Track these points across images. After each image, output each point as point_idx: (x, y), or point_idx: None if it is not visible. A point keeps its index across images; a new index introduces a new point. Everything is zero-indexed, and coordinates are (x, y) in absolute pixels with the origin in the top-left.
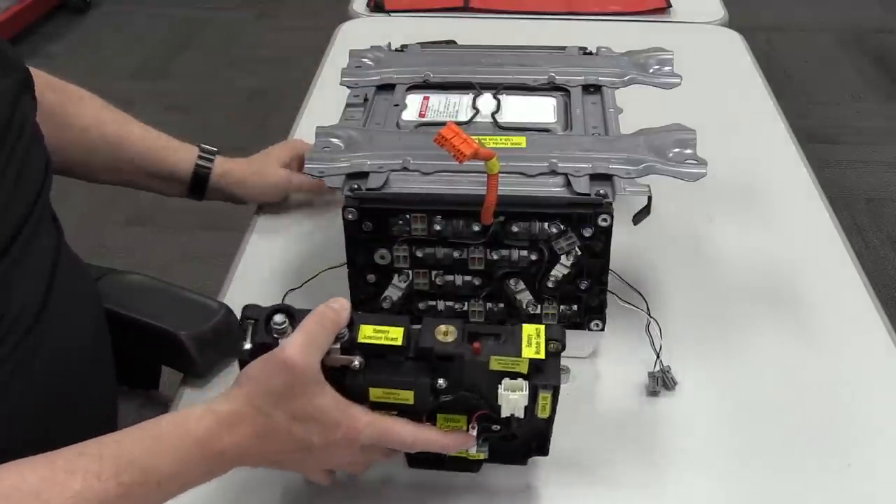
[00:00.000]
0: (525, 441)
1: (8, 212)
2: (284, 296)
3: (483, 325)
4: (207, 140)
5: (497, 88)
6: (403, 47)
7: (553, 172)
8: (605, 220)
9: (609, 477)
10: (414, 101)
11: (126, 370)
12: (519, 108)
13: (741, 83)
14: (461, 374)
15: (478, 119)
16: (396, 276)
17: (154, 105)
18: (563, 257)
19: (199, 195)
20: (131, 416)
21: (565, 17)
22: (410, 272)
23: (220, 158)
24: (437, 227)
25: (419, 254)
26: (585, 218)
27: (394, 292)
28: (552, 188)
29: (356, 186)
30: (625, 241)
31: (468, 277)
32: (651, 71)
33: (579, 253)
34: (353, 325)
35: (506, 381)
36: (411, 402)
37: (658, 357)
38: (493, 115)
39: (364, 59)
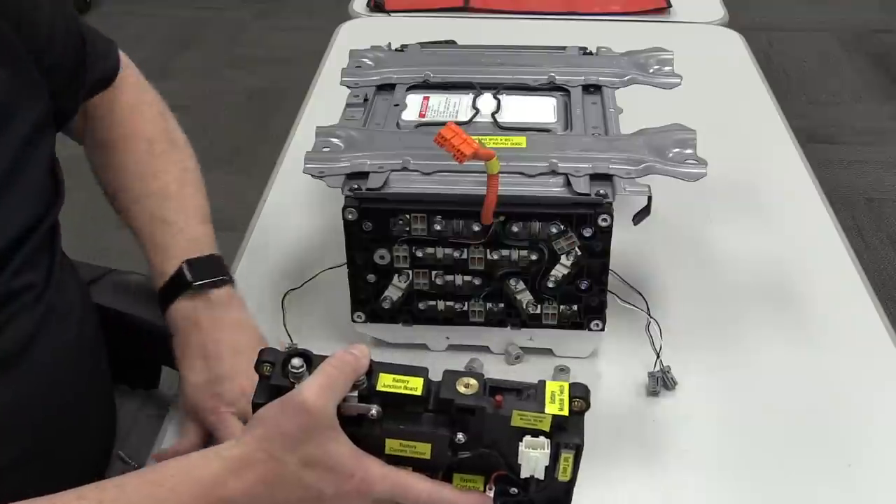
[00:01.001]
0: None
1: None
2: (284, 296)
3: (505, 380)
4: (208, 140)
5: (497, 88)
6: (403, 47)
7: (553, 172)
8: (605, 220)
9: (609, 477)
10: (414, 101)
11: (126, 370)
12: (519, 108)
13: (741, 83)
14: (481, 429)
15: (478, 119)
16: (396, 276)
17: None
18: (563, 257)
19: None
20: (131, 415)
21: (565, 17)
22: (410, 272)
23: (200, 303)
24: (437, 227)
25: (419, 254)
26: (585, 218)
27: (394, 292)
28: (552, 188)
29: (356, 186)
30: (625, 241)
31: (468, 277)
32: (651, 71)
33: (579, 253)
34: (371, 373)
35: (527, 438)
36: (428, 456)
37: (658, 357)
38: (493, 115)
39: (364, 59)
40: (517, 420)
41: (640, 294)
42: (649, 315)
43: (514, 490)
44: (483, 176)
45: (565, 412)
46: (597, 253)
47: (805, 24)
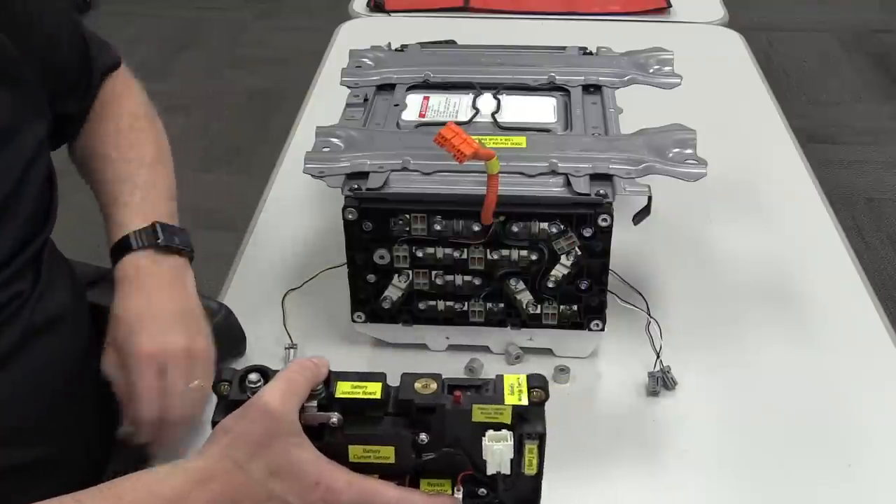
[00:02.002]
0: None
1: None
2: (284, 296)
3: (462, 378)
4: (208, 140)
5: (497, 88)
6: (403, 47)
7: (553, 172)
8: (605, 220)
9: (609, 477)
10: (414, 101)
11: None
12: (519, 108)
13: (741, 83)
14: (443, 427)
15: (478, 119)
16: (396, 276)
17: (154, 105)
18: (563, 257)
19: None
20: None
21: (565, 17)
22: (410, 272)
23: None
24: (437, 227)
25: (419, 254)
26: (585, 218)
27: (394, 292)
28: (552, 188)
29: (356, 186)
30: (625, 241)
31: (468, 277)
32: (651, 71)
33: (579, 253)
34: (329, 383)
35: (490, 432)
36: (392, 460)
37: (658, 357)
38: (493, 115)
39: (364, 59)
40: (478, 415)
41: (640, 294)
42: (649, 315)
43: (482, 491)
44: (483, 176)
45: (525, 402)
46: (597, 253)
47: (805, 24)
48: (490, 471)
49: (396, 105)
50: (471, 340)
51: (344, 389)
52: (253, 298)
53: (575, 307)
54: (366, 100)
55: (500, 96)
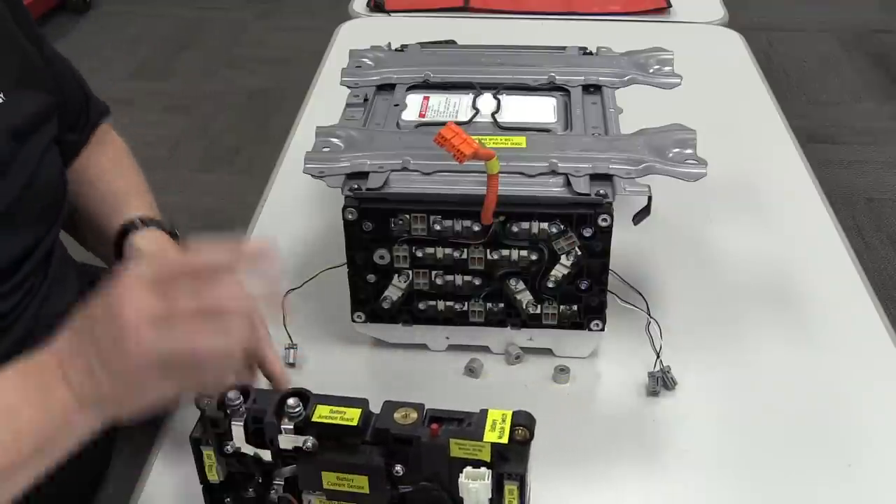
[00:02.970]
0: None
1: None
2: (284, 296)
3: (447, 410)
4: (208, 140)
5: (497, 88)
6: (403, 47)
7: (553, 172)
8: (605, 220)
9: (609, 477)
10: (414, 101)
11: None
12: (519, 108)
13: (741, 83)
14: (419, 460)
15: (478, 119)
16: (396, 276)
17: (154, 105)
18: (563, 257)
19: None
20: None
21: (565, 17)
22: (410, 272)
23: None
24: (437, 227)
25: (419, 254)
26: (585, 218)
27: (394, 292)
28: (552, 188)
29: (356, 186)
30: (625, 241)
31: (468, 277)
32: (651, 71)
33: (579, 253)
34: (308, 404)
35: (467, 469)
36: (366, 490)
37: (658, 357)
38: (493, 115)
39: (364, 59)
40: (455, 450)
41: (640, 294)
42: (649, 315)
43: None
44: (483, 176)
45: (505, 440)
46: (597, 253)
47: (805, 24)
48: None
49: (396, 105)
50: (471, 340)
51: (322, 413)
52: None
53: (575, 307)
54: (366, 100)
55: (500, 96)
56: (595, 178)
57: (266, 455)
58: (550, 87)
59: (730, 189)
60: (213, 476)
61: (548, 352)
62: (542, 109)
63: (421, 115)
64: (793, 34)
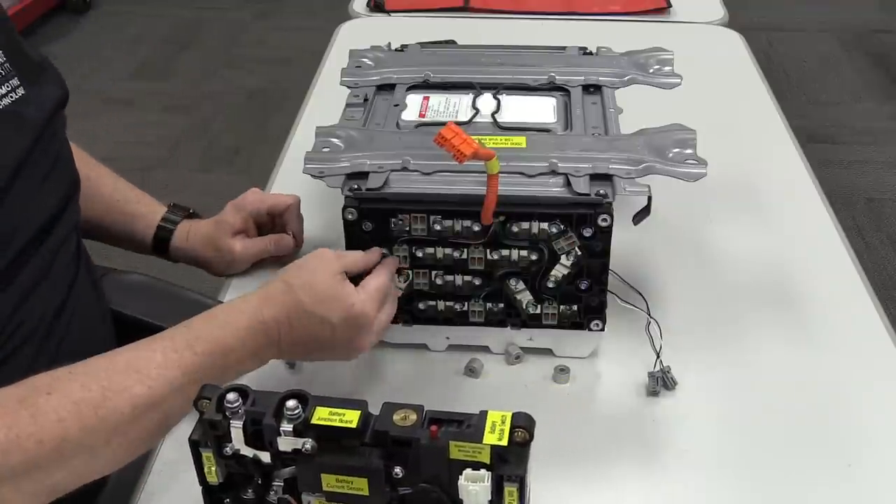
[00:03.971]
0: None
1: (38, 208)
2: None
3: (447, 412)
4: (208, 140)
5: (497, 88)
6: (403, 47)
7: (553, 172)
8: (605, 220)
9: (609, 477)
10: (414, 101)
11: None
12: (519, 108)
13: (741, 83)
14: (419, 462)
15: (478, 119)
16: (396, 276)
17: (154, 105)
18: (563, 257)
19: (165, 256)
20: None
21: (565, 17)
22: (410, 272)
23: (188, 221)
24: (437, 227)
25: (419, 254)
26: (585, 218)
27: None
28: (552, 188)
29: (356, 186)
30: (625, 241)
31: (468, 277)
32: (651, 71)
33: (579, 253)
34: (307, 405)
35: (467, 471)
36: (366, 492)
37: (658, 357)
38: (493, 115)
39: (364, 59)
40: (455, 451)
41: (640, 294)
42: (649, 315)
43: None
44: (483, 176)
45: (504, 442)
46: (597, 253)
47: (805, 24)
48: None
49: (396, 105)
50: (471, 340)
51: (321, 415)
52: None
53: (575, 307)
54: (366, 100)
55: (500, 96)
56: (595, 178)
57: (265, 457)
58: (550, 87)
59: (730, 189)
60: (213, 478)
61: (548, 352)
62: (542, 109)
63: (421, 115)
64: (793, 34)
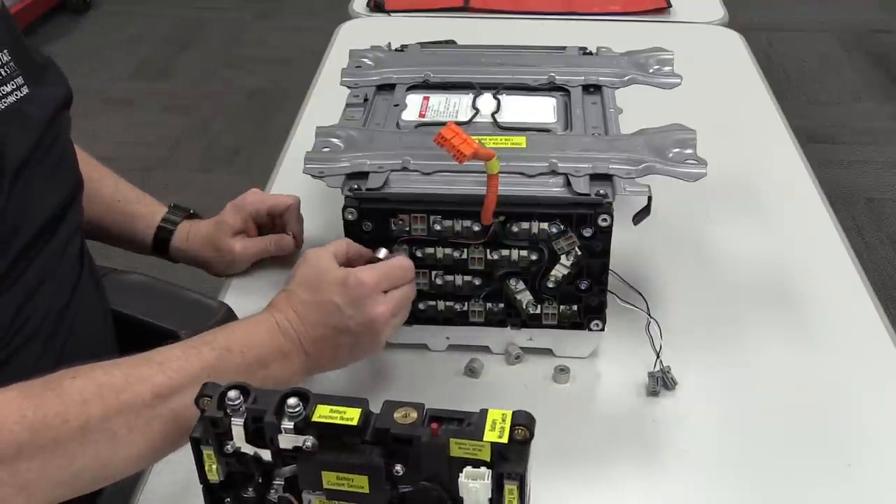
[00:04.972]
0: None
1: (41, 207)
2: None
3: (448, 410)
4: (208, 140)
5: (497, 88)
6: (403, 47)
7: (553, 172)
8: (605, 220)
9: (609, 477)
10: (414, 101)
11: None
12: (519, 108)
13: (741, 83)
14: (419, 460)
15: (478, 119)
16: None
17: (154, 105)
18: (563, 257)
19: (166, 256)
20: None
21: (565, 17)
22: None
23: (188, 222)
24: (437, 227)
25: (419, 254)
26: (585, 218)
27: None
28: (552, 188)
29: (356, 186)
30: (625, 241)
31: (468, 277)
32: (651, 71)
33: (579, 253)
34: (308, 403)
35: (467, 469)
36: (367, 490)
37: (658, 357)
38: (493, 115)
39: (364, 59)
40: (455, 449)
41: (640, 294)
42: (649, 315)
43: None
44: (483, 176)
45: (504, 440)
46: (597, 253)
47: (805, 24)
48: None
49: (396, 105)
50: (471, 340)
51: (322, 413)
52: (253, 298)
53: (575, 307)
54: (366, 100)
55: (499, 96)
56: (595, 178)
57: (266, 455)
58: (550, 87)
59: (730, 189)
60: (213, 476)
61: (548, 352)
62: (541, 109)
63: (421, 116)
64: (793, 34)
